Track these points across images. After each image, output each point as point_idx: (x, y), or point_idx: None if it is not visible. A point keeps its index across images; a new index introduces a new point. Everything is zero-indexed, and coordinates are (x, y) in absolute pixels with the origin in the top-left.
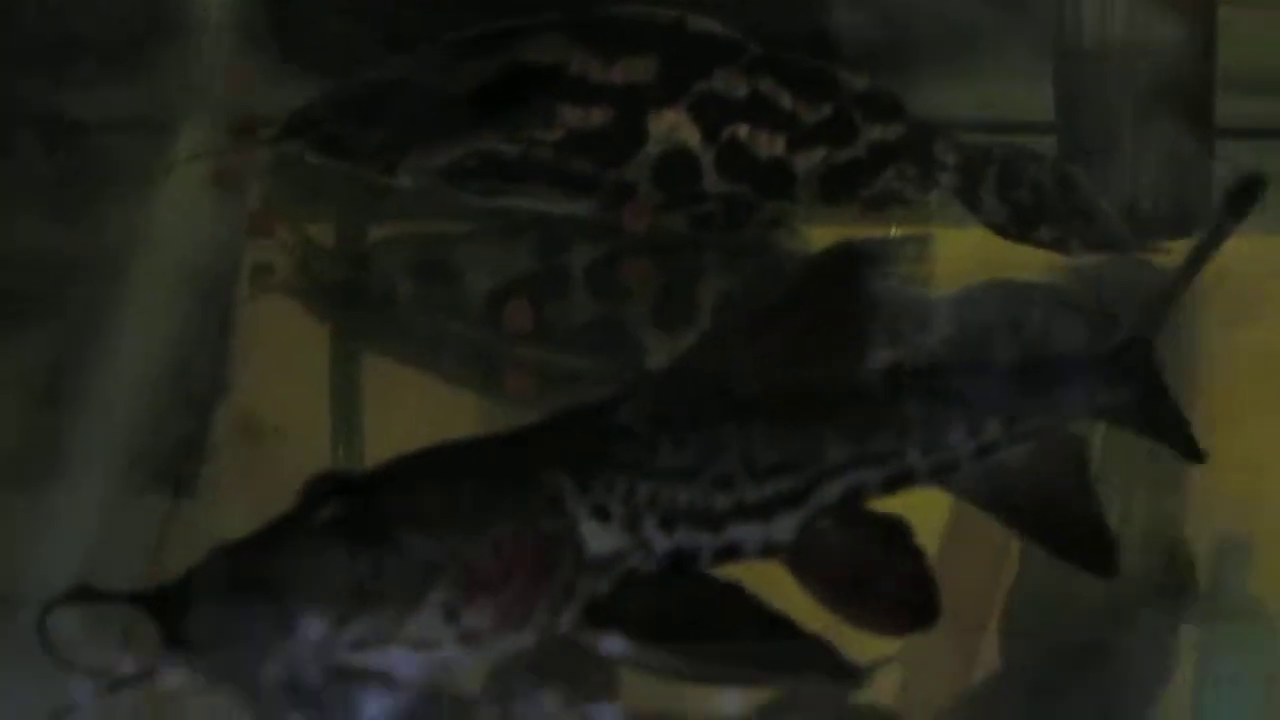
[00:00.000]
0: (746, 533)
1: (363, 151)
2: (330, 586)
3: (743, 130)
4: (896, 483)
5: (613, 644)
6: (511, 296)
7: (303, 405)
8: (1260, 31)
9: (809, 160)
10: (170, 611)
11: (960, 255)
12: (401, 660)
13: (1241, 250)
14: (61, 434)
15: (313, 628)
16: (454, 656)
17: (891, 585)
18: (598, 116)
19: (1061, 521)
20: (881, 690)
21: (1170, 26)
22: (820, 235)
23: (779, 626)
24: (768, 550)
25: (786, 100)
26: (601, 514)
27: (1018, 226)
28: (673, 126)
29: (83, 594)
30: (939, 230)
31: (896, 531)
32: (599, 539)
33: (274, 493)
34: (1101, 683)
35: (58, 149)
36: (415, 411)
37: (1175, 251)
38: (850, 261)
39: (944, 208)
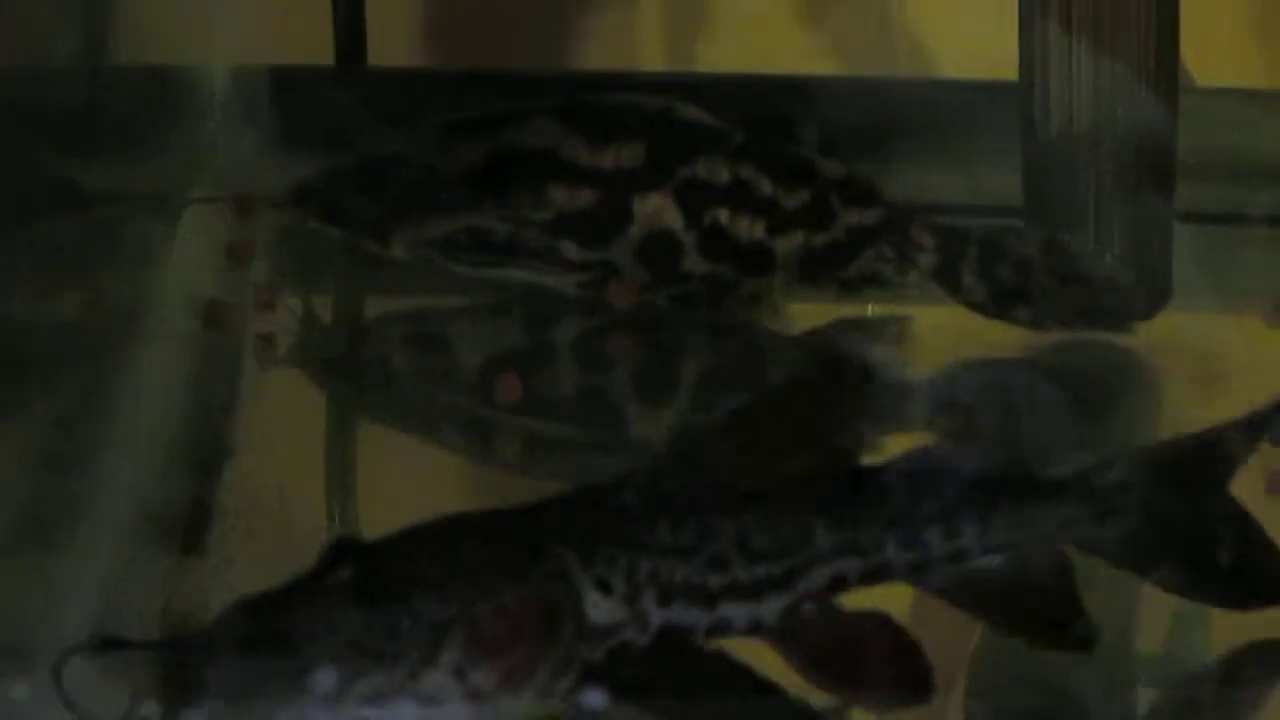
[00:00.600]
0: (737, 611)
1: (360, 223)
2: (344, 643)
3: (724, 215)
4: (874, 575)
5: (594, 698)
6: (501, 369)
7: (302, 470)
8: (1221, 117)
9: (789, 243)
10: (190, 661)
11: (937, 332)
12: (410, 716)
13: (1201, 329)
14: (71, 495)
15: (326, 682)
16: (460, 713)
17: (881, 662)
18: (585, 199)
19: (1038, 621)
20: None
21: (1134, 112)
22: (800, 312)
23: (762, 689)
24: (754, 629)
25: (766, 186)
26: (604, 587)
27: (996, 305)
28: (657, 210)
29: (104, 643)
30: (917, 308)
31: (877, 617)
32: (600, 610)
33: (277, 553)
34: None
35: (70, 218)
36: (408, 476)
37: (1140, 332)
38: (843, 356)
39: (923, 287)
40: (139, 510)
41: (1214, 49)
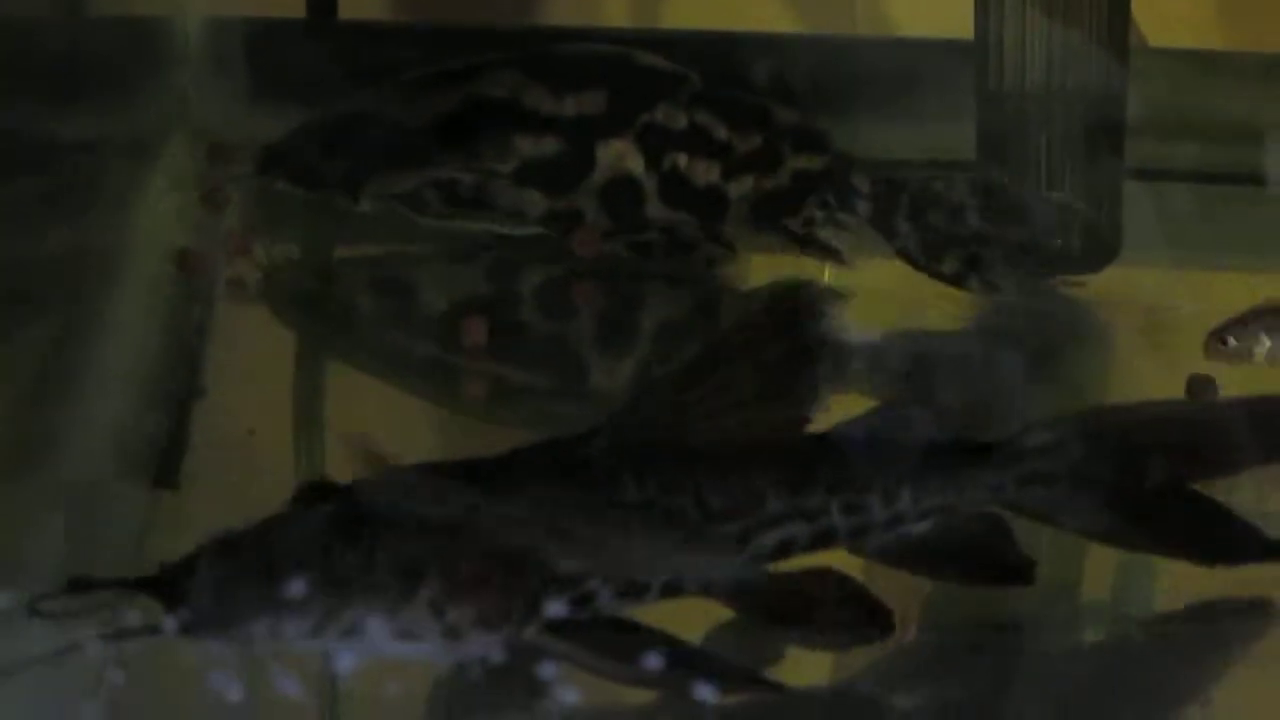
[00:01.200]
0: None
1: (329, 179)
2: (324, 576)
3: (682, 159)
4: (820, 541)
5: (548, 643)
6: (466, 314)
7: (271, 409)
8: (1170, 75)
9: (740, 188)
10: (169, 594)
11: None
12: (389, 647)
13: (1149, 282)
14: (51, 428)
15: (307, 616)
16: (436, 650)
17: (835, 607)
18: (549, 146)
19: (975, 571)
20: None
21: (1085, 72)
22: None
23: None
24: (706, 588)
25: (722, 131)
26: (569, 536)
27: (926, 254)
28: (619, 155)
29: (77, 584)
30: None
31: (825, 570)
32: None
33: (246, 488)
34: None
35: (50, 165)
36: (375, 417)
37: (1090, 286)
38: (800, 306)
39: (861, 235)
40: (114, 444)
41: (1169, 11)
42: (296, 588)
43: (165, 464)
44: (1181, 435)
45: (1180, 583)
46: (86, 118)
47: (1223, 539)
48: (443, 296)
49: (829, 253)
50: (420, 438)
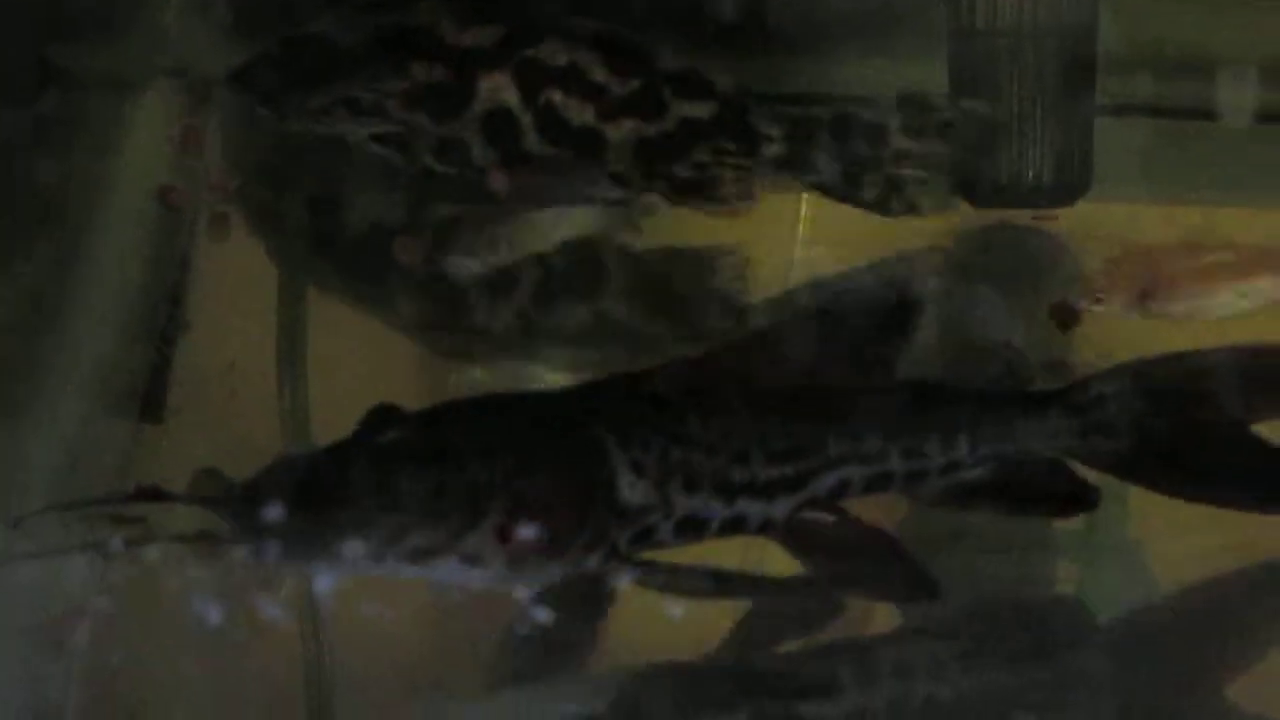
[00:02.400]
0: (752, 508)
1: (266, 98)
2: (389, 500)
3: (557, 96)
4: (875, 484)
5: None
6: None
7: (255, 344)
8: (1143, 12)
9: (620, 130)
10: (237, 514)
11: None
12: (453, 573)
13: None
14: (37, 360)
15: (374, 535)
16: (500, 576)
17: (884, 563)
18: (438, 73)
19: (1032, 505)
20: None
21: (1056, 7)
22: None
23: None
24: (763, 528)
25: (599, 73)
26: (637, 469)
27: (846, 184)
28: (496, 87)
29: (140, 494)
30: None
31: (876, 529)
32: (633, 491)
33: (231, 422)
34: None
35: (35, 101)
36: (357, 349)
37: (1062, 218)
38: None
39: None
40: (100, 377)
41: None
42: (361, 511)
43: (149, 398)
44: (1238, 380)
45: (1150, 507)
46: (70, 53)
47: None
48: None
49: (722, 199)
50: (406, 373)
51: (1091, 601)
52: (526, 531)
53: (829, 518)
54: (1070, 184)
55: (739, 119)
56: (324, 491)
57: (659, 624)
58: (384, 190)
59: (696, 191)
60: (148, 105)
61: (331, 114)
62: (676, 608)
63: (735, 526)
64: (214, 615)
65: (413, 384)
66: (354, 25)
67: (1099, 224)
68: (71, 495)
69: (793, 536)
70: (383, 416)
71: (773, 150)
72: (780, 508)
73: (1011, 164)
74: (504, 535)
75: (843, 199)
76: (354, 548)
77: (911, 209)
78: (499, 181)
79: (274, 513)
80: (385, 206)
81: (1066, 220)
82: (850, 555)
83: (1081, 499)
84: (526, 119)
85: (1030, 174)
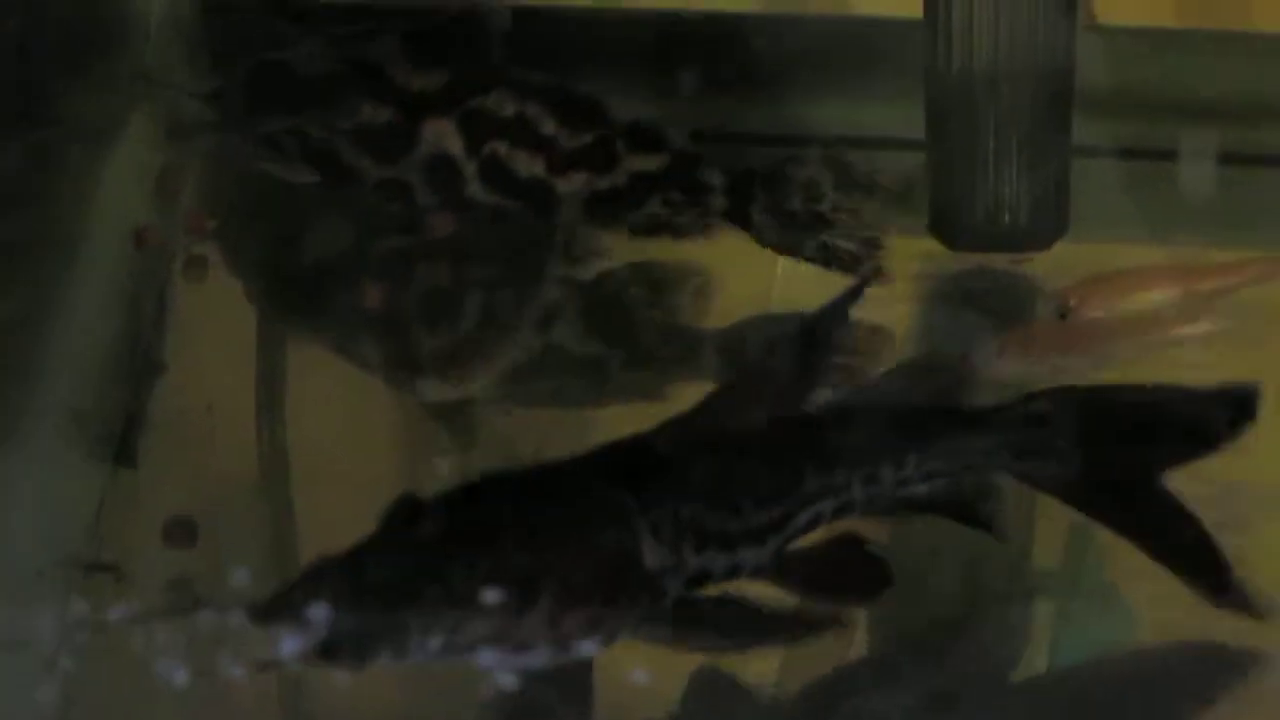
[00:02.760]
0: (748, 555)
1: (232, 119)
2: (445, 595)
3: (502, 148)
4: (842, 513)
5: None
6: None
7: (232, 386)
8: (1117, 55)
9: (570, 184)
10: (283, 621)
11: None
12: (501, 660)
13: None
14: (12, 403)
15: (434, 630)
16: (547, 657)
17: (853, 570)
18: (384, 115)
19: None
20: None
21: (1032, 50)
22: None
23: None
24: (756, 571)
25: (549, 125)
26: (656, 531)
27: (789, 239)
28: (439, 134)
29: (179, 607)
30: None
31: (843, 536)
32: (654, 554)
33: (207, 465)
34: (956, 662)
35: (15, 142)
36: (335, 393)
37: (1037, 261)
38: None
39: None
40: (75, 421)
41: None
42: (421, 609)
43: (124, 442)
44: (1169, 418)
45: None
46: (47, 94)
47: (1179, 546)
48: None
49: (683, 233)
50: (383, 415)
51: (1069, 642)
52: (577, 615)
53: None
54: (1047, 227)
55: (689, 171)
56: (378, 591)
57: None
58: (337, 228)
59: (656, 231)
60: (124, 145)
61: (281, 144)
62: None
63: (732, 574)
64: (185, 677)
65: (391, 428)
66: (318, 57)
67: (1075, 266)
68: (45, 542)
69: (783, 574)
70: (410, 507)
71: (717, 203)
72: (769, 551)
73: (987, 207)
74: (555, 620)
75: (786, 253)
76: (415, 644)
77: (849, 264)
78: (441, 225)
79: (323, 614)
80: (337, 243)
81: (1041, 263)
82: (832, 572)
83: (986, 525)
84: (471, 168)
85: (1006, 217)
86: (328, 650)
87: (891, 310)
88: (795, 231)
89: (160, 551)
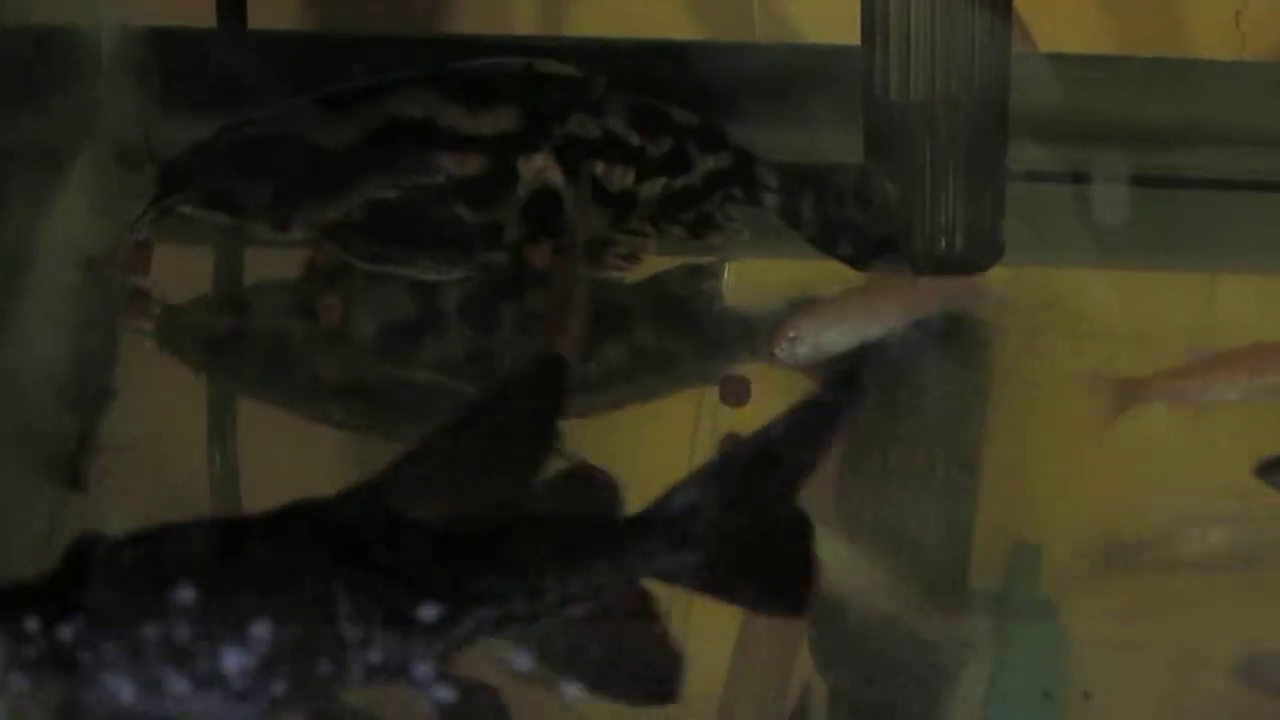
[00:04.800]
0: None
1: (252, 207)
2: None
3: (599, 167)
4: (503, 625)
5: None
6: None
7: (183, 412)
8: (1051, 81)
9: (650, 190)
10: None
11: None
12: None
13: (1033, 283)
14: None
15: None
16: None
17: (637, 665)
18: (473, 164)
19: (627, 673)
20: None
21: (968, 77)
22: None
23: None
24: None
25: (634, 137)
26: (352, 596)
27: (827, 240)
28: (540, 169)
29: None
30: None
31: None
32: (351, 625)
33: (156, 490)
34: (894, 687)
35: None
36: (285, 419)
37: None
38: (553, 371)
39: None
40: (25, 445)
41: (1061, 15)
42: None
43: (74, 466)
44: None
45: (1068, 569)
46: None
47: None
48: (370, 319)
49: (724, 231)
50: (333, 443)
51: (1007, 660)
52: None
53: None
54: (983, 251)
55: (750, 169)
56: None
57: None
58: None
59: (706, 229)
60: (76, 174)
61: (352, 225)
62: None
63: (402, 670)
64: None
65: (343, 452)
66: (325, 122)
67: (1011, 289)
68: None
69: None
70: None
71: (771, 200)
72: (434, 651)
73: (925, 232)
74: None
75: (827, 252)
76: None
77: (881, 267)
78: (538, 257)
79: None
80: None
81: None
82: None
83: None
84: (570, 194)
85: (943, 241)
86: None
87: None
88: (833, 232)
89: None
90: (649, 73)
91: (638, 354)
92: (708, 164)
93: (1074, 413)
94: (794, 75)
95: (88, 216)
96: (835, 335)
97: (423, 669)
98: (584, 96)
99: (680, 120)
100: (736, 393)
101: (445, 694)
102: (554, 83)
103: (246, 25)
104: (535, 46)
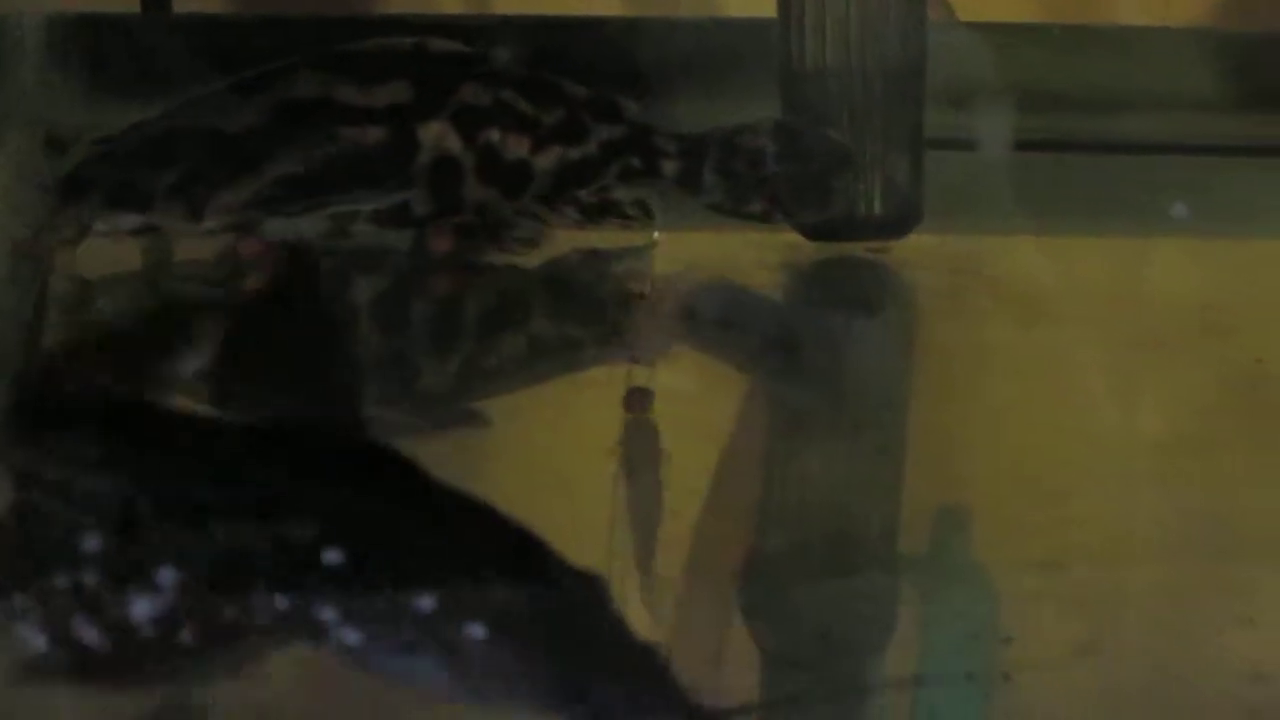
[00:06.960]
0: None
1: (160, 198)
2: None
3: (495, 135)
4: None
5: None
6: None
7: None
8: (965, 50)
9: (546, 160)
10: None
11: None
12: None
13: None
14: None
15: None
16: None
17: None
18: (373, 134)
19: None
20: None
21: (883, 48)
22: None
23: None
24: None
25: (525, 105)
26: None
27: (734, 201)
28: (439, 135)
29: None
30: None
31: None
32: None
33: None
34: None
35: None
36: None
37: (892, 250)
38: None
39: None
40: None
41: None
42: None
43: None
44: None
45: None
46: None
47: None
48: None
49: (628, 218)
50: None
51: (935, 623)
52: None
53: None
54: (901, 217)
55: (646, 139)
56: None
57: None
58: None
59: (604, 211)
60: (2, 160)
61: (266, 198)
62: None
63: None
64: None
65: None
66: (220, 111)
67: (932, 255)
68: None
69: None
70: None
71: (671, 168)
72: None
73: (843, 198)
74: None
75: (731, 213)
76: None
77: (793, 221)
78: (439, 243)
79: None
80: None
81: (900, 251)
82: None
83: None
84: (469, 162)
85: (862, 207)
86: None
87: None
88: (741, 192)
89: None
90: (576, 49)
91: (534, 342)
92: (602, 133)
93: (997, 377)
94: (716, 49)
95: (17, 198)
96: None
97: None
98: (474, 70)
99: (572, 92)
100: (640, 402)
101: None
102: (445, 58)
103: (171, 10)
104: (458, 25)
